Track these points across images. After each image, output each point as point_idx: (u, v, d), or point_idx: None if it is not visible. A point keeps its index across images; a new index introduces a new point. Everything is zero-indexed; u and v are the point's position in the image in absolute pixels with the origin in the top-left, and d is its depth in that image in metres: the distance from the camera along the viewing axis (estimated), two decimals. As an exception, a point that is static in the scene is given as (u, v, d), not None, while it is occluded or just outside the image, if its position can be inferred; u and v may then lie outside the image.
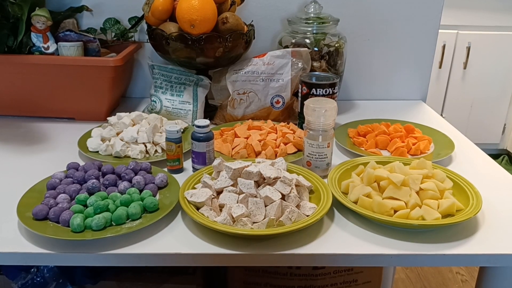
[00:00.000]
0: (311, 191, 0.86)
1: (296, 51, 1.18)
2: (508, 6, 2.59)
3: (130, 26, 1.32)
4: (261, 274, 1.23)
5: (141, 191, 0.84)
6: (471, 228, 0.79)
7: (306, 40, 1.24)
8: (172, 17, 1.16)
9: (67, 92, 1.18)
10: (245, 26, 1.20)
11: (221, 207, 0.79)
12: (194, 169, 0.96)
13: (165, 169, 0.95)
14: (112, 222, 0.76)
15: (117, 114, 1.10)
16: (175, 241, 0.75)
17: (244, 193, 0.79)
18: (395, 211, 0.78)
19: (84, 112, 1.21)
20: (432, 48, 1.40)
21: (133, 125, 1.07)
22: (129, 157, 1.00)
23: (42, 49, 1.16)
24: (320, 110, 0.89)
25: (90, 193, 0.82)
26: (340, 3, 1.34)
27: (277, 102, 1.19)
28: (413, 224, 0.75)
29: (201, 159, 0.94)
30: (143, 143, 1.02)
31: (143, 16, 1.29)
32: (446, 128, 1.22)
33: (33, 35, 1.15)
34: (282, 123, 1.12)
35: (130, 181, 0.86)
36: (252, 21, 1.26)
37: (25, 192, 0.83)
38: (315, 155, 0.92)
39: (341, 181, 0.88)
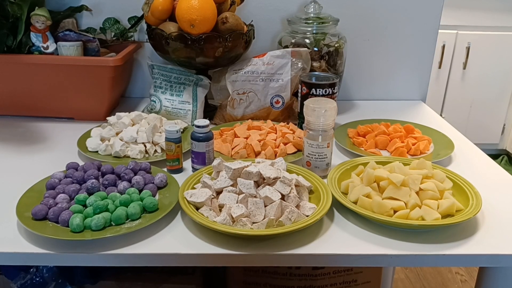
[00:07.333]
0: (310, 191, 0.86)
1: (296, 51, 1.18)
2: (508, 6, 2.59)
3: (129, 26, 1.32)
4: (261, 274, 1.23)
5: (140, 191, 0.84)
6: (471, 229, 0.79)
7: (306, 40, 1.24)
8: (171, 17, 1.16)
9: (67, 92, 1.18)
10: (245, 26, 1.20)
11: (220, 207, 0.79)
12: (194, 169, 0.95)
13: (165, 169, 0.95)
14: (112, 222, 0.76)
15: (117, 114, 1.10)
16: (174, 241, 0.75)
17: (243, 193, 0.79)
18: (395, 211, 0.78)
19: (84, 112, 1.21)
20: (432, 48, 1.40)
21: (133, 125, 1.07)
22: (128, 157, 1.00)
23: (42, 48, 1.16)
24: (320, 110, 0.89)
25: (90, 193, 0.82)
26: (340, 3, 1.33)
27: (277, 102, 1.19)
28: (413, 225, 0.75)
29: (201, 159, 0.94)
30: (143, 143, 1.02)
31: (142, 15, 1.28)
32: (445, 128, 1.22)
33: (32, 34, 1.15)
34: (282, 123, 1.12)
35: (129, 181, 0.86)
36: (252, 21, 1.26)
37: (25, 192, 0.83)
38: (315, 155, 0.92)
39: (341, 181, 0.88)
